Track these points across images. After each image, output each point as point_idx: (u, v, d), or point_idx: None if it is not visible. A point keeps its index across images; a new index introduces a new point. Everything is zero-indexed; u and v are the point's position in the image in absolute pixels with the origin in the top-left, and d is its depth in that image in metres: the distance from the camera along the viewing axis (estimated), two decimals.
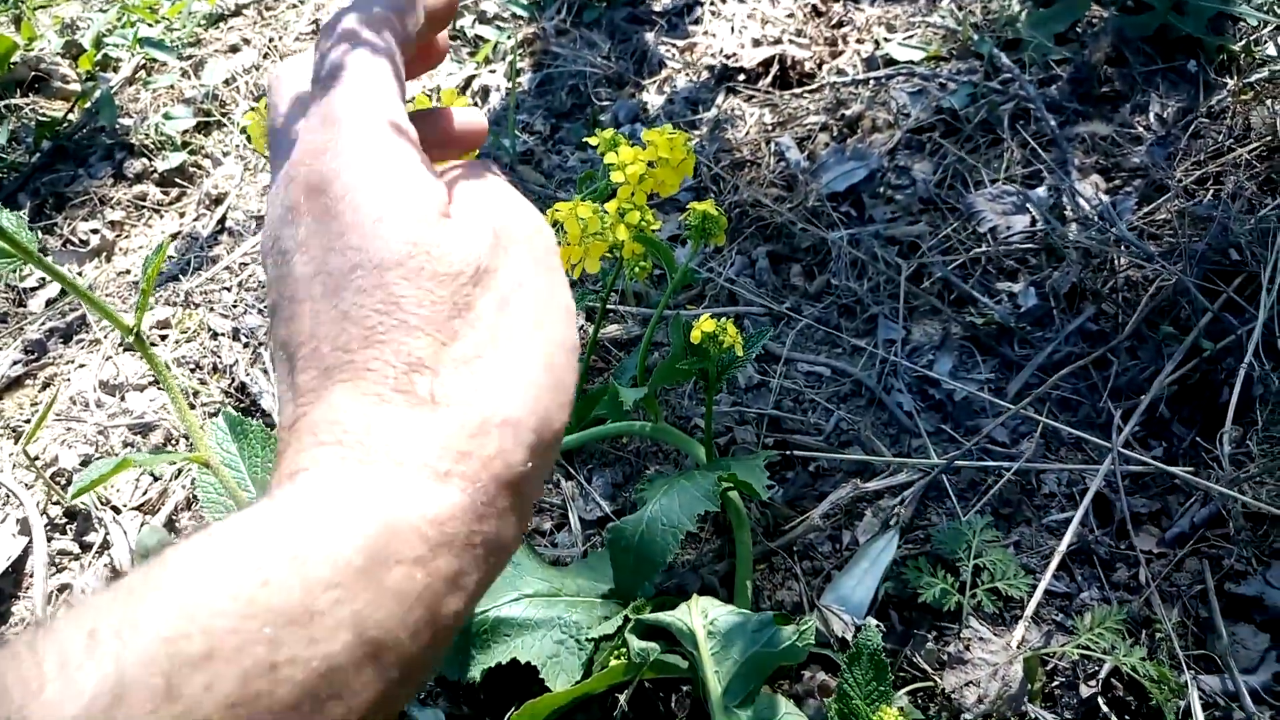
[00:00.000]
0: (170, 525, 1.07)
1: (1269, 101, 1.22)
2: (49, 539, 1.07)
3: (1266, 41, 1.31)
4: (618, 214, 0.73)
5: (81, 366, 1.26)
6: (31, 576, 1.03)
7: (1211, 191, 1.16)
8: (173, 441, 1.16)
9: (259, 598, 0.28)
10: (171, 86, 1.74)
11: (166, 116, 1.65)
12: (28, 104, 1.73)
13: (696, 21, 1.70)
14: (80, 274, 1.44)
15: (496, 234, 0.39)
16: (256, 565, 0.29)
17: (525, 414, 0.35)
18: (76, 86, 1.77)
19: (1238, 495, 0.86)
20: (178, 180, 1.57)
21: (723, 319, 0.78)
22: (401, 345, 0.34)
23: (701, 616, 0.77)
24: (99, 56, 1.81)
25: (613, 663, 0.77)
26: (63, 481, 1.12)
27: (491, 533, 0.34)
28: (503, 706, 0.83)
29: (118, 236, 1.49)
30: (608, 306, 1.20)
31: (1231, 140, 1.20)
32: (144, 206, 1.54)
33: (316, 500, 0.32)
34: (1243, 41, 1.32)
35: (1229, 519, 0.87)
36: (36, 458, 1.14)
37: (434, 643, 0.32)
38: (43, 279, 1.44)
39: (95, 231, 1.48)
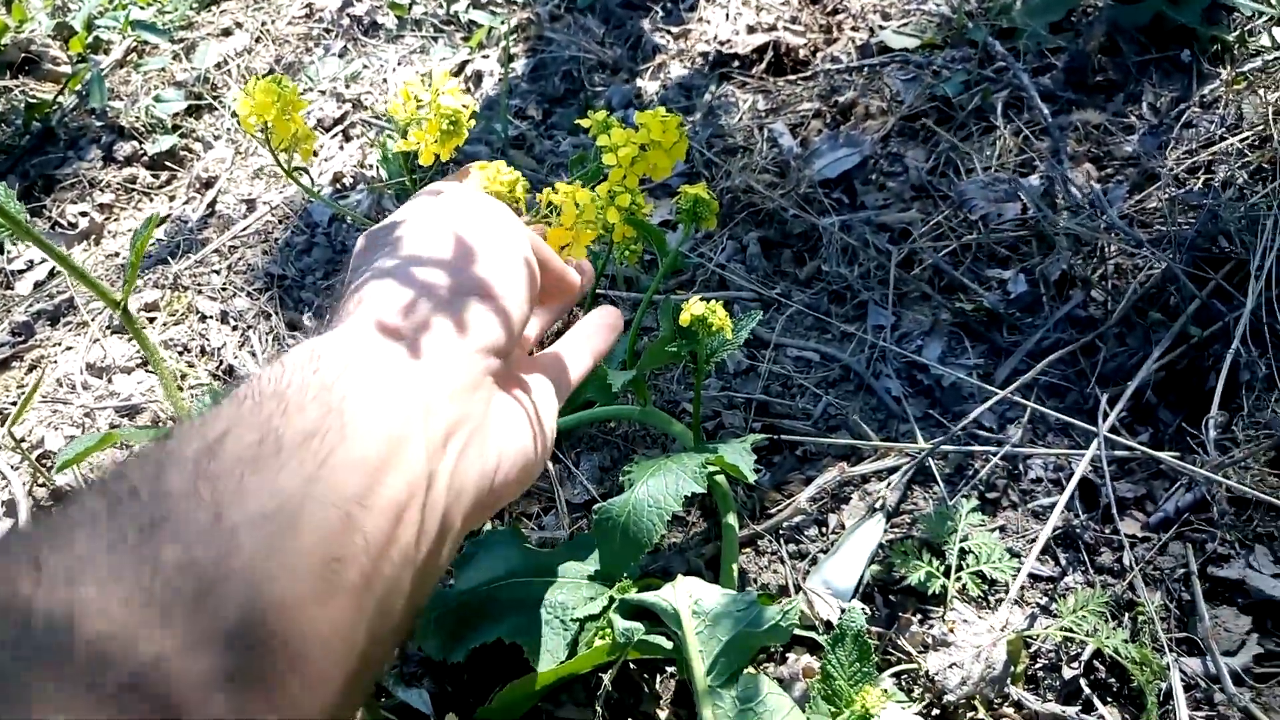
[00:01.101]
0: None
1: (1261, 91, 1.22)
2: (35, 518, 1.06)
3: (1260, 32, 1.31)
4: (608, 196, 0.72)
5: (69, 349, 1.26)
6: None
7: (1202, 180, 1.16)
8: (160, 424, 1.16)
9: None
10: (163, 69, 1.74)
11: (157, 99, 1.64)
12: (17, 86, 1.72)
13: (691, 8, 1.69)
14: (69, 256, 1.43)
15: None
16: None
17: None
18: (67, 69, 1.77)
19: (1222, 480, 0.86)
20: (168, 163, 1.57)
21: (712, 302, 0.78)
22: None
23: (686, 597, 0.77)
24: (90, 39, 1.80)
25: (597, 643, 0.77)
26: (49, 464, 1.11)
27: None
28: (487, 687, 0.83)
29: (107, 219, 1.49)
30: (600, 292, 1.20)
31: (1223, 129, 1.20)
32: (133, 189, 1.53)
33: None
34: (1236, 32, 1.32)
35: (1213, 503, 0.87)
36: (23, 440, 1.14)
37: None
38: (30, 261, 1.43)
39: (84, 214, 1.48)
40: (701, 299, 0.75)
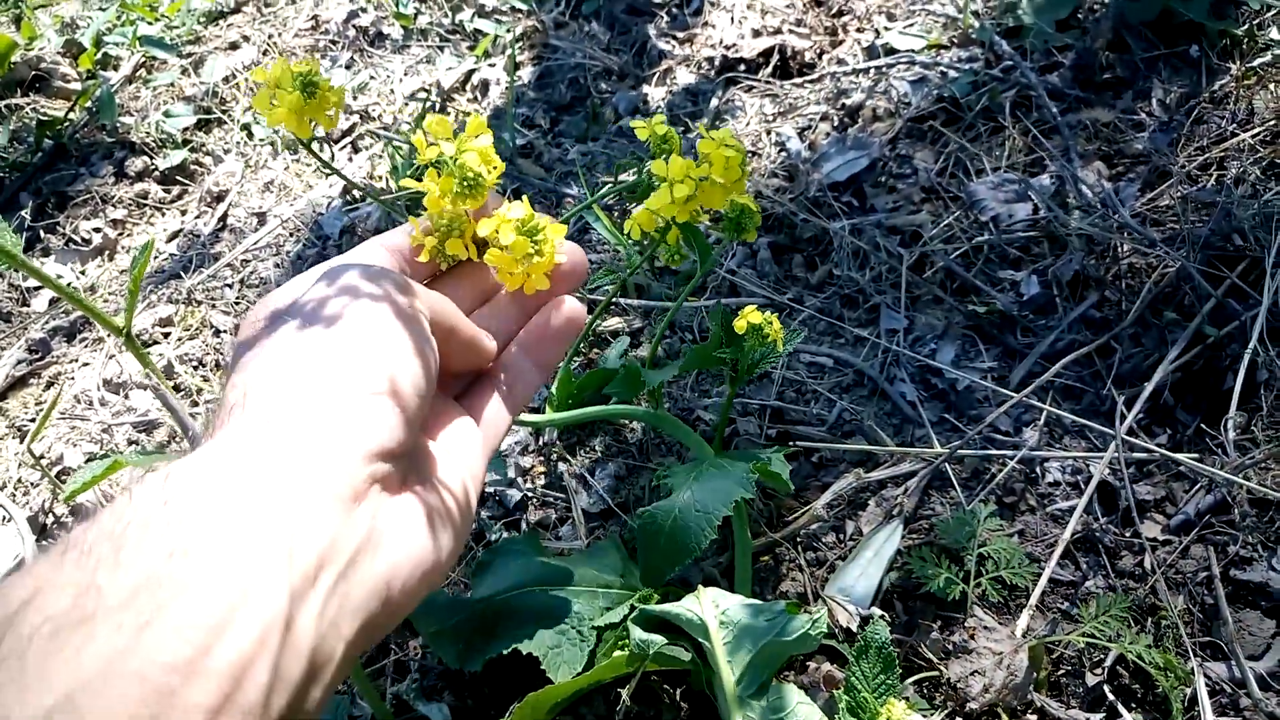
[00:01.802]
0: None
1: (1272, 86, 1.21)
2: (54, 537, 1.07)
3: (1269, 26, 1.30)
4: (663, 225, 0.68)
5: (85, 365, 1.27)
6: None
7: (1215, 177, 1.15)
8: (177, 439, 1.16)
9: None
10: (172, 84, 1.74)
11: (167, 114, 1.65)
12: (28, 103, 1.73)
13: (696, 12, 1.69)
14: (83, 273, 1.44)
15: None
16: None
17: None
18: (77, 85, 1.77)
19: (1243, 481, 0.86)
20: (179, 178, 1.58)
21: (768, 312, 0.78)
22: None
23: (713, 607, 0.76)
24: (99, 55, 1.81)
25: (615, 654, 0.77)
26: (67, 479, 1.12)
27: None
28: (507, 698, 0.83)
29: (120, 235, 1.49)
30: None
31: (1235, 125, 1.20)
32: (145, 205, 1.54)
33: None
34: (1245, 26, 1.31)
35: (1234, 505, 0.87)
36: (41, 456, 1.15)
37: None
38: None
39: (97, 230, 1.48)
40: (754, 307, 0.75)
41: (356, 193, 1.47)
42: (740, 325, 0.75)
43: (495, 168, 0.58)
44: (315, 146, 0.60)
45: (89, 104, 1.71)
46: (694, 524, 0.73)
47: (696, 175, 0.63)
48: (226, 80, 1.73)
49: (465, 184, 0.57)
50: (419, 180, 0.58)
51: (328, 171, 1.52)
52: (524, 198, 0.58)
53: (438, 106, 1.60)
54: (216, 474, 0.39)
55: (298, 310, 0.48)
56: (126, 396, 1.21)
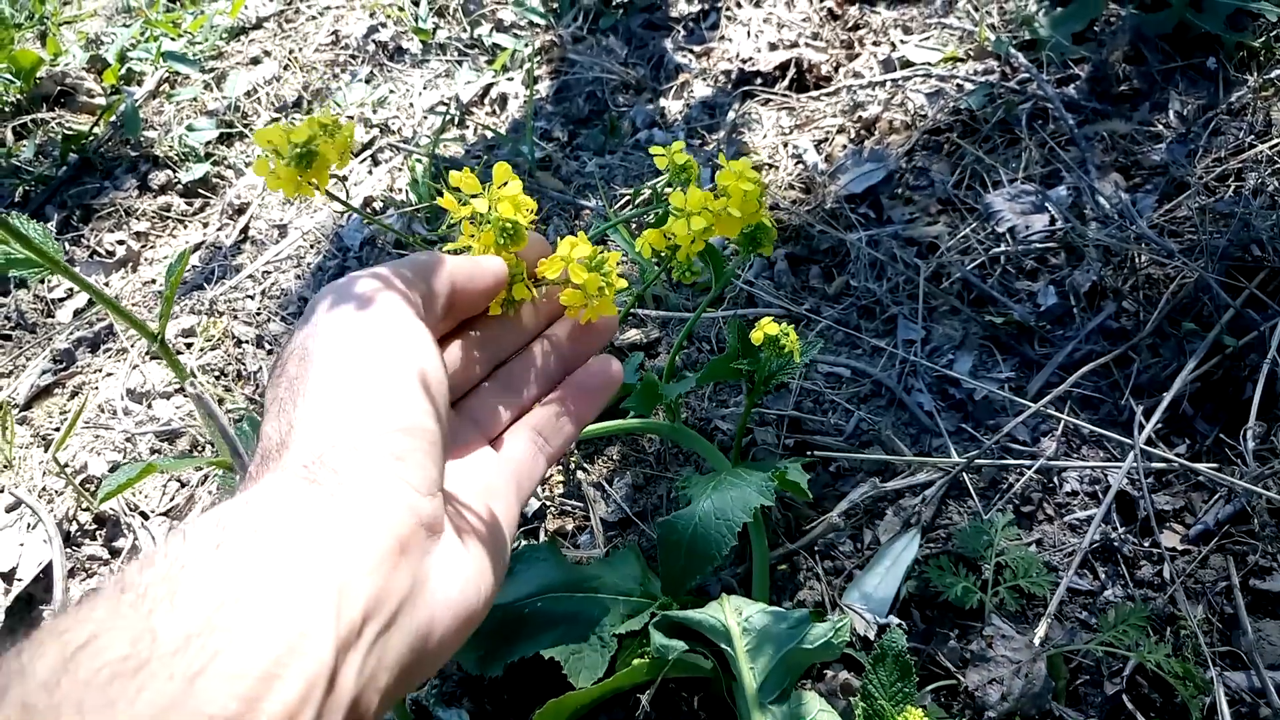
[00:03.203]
0: None
1: None
2: (79, 545, 1.08)
3: None
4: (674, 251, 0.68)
5: (109, 375, 1.28)
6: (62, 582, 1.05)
7: (1233, 188, 1.15)
8: (199, 448, 1.18)
9: None
10: (194, 99, 1.77)
11: (190, 128, 1.67)
12: (54, 118, 1.76)
13: (713, 26, 1.70)
14: (107, 284, 1.46)
15: None
16: None
17: None
18: (101, 100, 1.80)
19: (1262, 491, 0.85)
20: (201, 191, 1.60)
21: (784, 324, 0.78)
22: None
23: (735, 614, 0.77)
24: (123, 70, 1.84)
25: (635, 661, 0.77)
26: (92, 488, 1.13)
27: None
28: (526, 705, 0.84)
29: (143, 247, 1.51)
30: (629, 311, 1.21)
31: (1252, 136, 1.20)
32: (168, 217, 1.56)
33: None
34: (1262, 38, 1.31)
35: (1253, 515, 0.86)
36: (66, 465, 1.16)
37: None
38: (70, 289, 1.46)
39: (121, 242, 1.51)
40: (770, 319, 0.75)
41: (373, 208, 1.49)
42: (757, 337, 0.76)
43: (530, 209, 0.58)
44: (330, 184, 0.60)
45: (113, 118, 1.74)
46: (714, 532, 0.74)
47: (716, 208, 0.63)
48: (248, 95, 1.75)
49: (505, 234, 0.58)
50: (440, 196, 0.58)
51: (342, 204, 1.53)
52: (580, 234, 0.59)
53: (457, 120, 1.62)
54: (267, 522, 0.40)
55: (324, 344, 0.48)
56: (150, 406, 1.23)
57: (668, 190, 0.65)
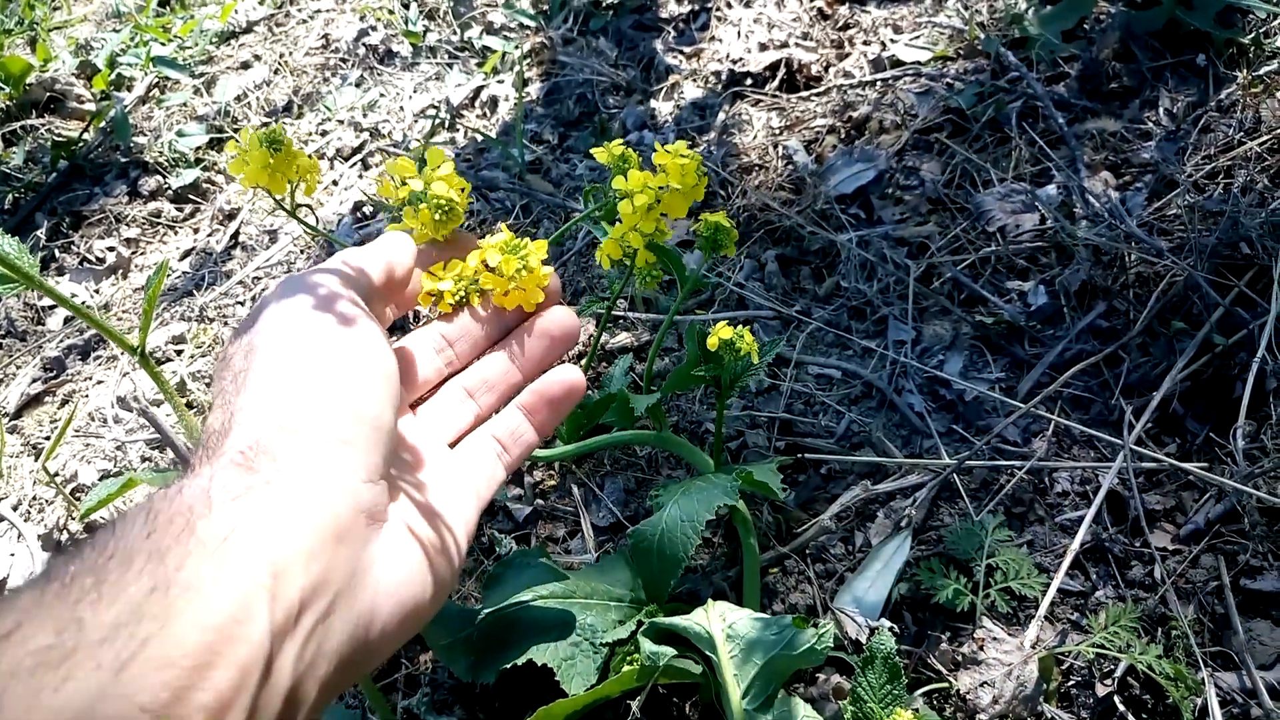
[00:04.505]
0: None
1: (1279, 94, 1.21)
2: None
3: (1276, 34, 1.30)
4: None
5: (99, 383, 1.28)
6: None
7: (1222, 185, 1.15)
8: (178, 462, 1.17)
9: None
10: (184, 104, 1.77)
11: (180, 134, 1.67)
12: (44, 124, 1.75)
13: (703, 27, 1.70)
14: (97, 291, 1.46)
15: None
16: None
17: None
18: (91, 106, 1.80)
19: (1252, 491, 0.85)
20: (191, 197, 1.59)
21: (738, 326, 0.78)
22: None
23: (720, 621, 0.77)
24: (113, 76, 1.84)
25: (625, 668, 0.77)
26: (82, 496, 1.13)
27: None
28: (517, 712, 0.83)
29: (133, 253, 1.51)
30: (617, 314, 1.21)
31: (1242, 134, 1.20)
32: (158, 223, 1.56)
33: None
34: (1252, 34, 1.31)
35: (1244, 514, 0.86)
36: (56, 474, 1.16)
37: None
38: None
39: (111, 249, 1.50)
40: (725, 321, 0.76)
41: (363, 212, 1.48)
42: (712, 342, 0.76)
43: (463, 189, 0.62)
44: (301, 213, 0.66)
45: (103, 124, 1.73)
46: (680, 534, 0.74)
47: (655, 184, 0.67)
48: (238, 99, 1.75)
49: (440, 210, 0.61)
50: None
51: (315, 232, 1.53)
52: (501, 225, 0.63)
53: (447, 123, 1.62)
54: (199, 509, 0.38)
55: (269, 338, 0.48)
56: (140, 414, 1.22)
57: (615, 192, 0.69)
